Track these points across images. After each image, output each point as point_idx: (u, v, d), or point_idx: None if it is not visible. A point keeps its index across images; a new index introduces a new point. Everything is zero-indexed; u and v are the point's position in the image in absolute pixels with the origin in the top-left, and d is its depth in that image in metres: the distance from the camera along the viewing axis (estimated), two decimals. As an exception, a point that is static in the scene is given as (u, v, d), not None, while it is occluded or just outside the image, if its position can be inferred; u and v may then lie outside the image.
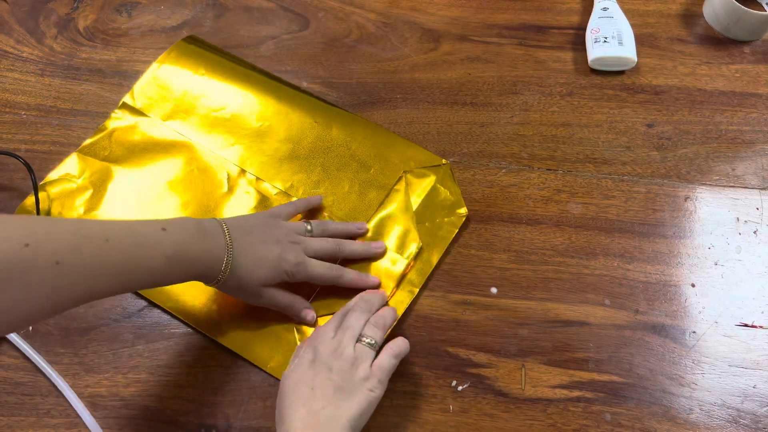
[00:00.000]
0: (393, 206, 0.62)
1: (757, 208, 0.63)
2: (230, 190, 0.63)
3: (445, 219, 0.61)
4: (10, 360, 0.56)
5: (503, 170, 0.66)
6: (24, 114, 0.70)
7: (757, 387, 0.54)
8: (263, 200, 0.63)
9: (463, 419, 0.53)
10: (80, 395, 0.54)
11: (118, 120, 0.68)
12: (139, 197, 0.63)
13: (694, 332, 0.56)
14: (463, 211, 0.62)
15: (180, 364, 0.55)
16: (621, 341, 0.56)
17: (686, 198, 0.63)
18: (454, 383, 0.55)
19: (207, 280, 0.50)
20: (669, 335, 0.56)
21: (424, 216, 0.61)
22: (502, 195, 0.64)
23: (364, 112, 0.69)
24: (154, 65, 0.71)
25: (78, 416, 0.53)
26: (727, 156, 0.66)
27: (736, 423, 0.52)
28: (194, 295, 0.58)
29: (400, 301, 0.57)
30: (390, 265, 0.59)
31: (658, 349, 0.56)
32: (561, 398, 0.54)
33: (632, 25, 0.72)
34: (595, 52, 0.71)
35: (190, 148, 0.66)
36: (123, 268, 0.44)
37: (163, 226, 0.47)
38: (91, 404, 0.54)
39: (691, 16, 0.76)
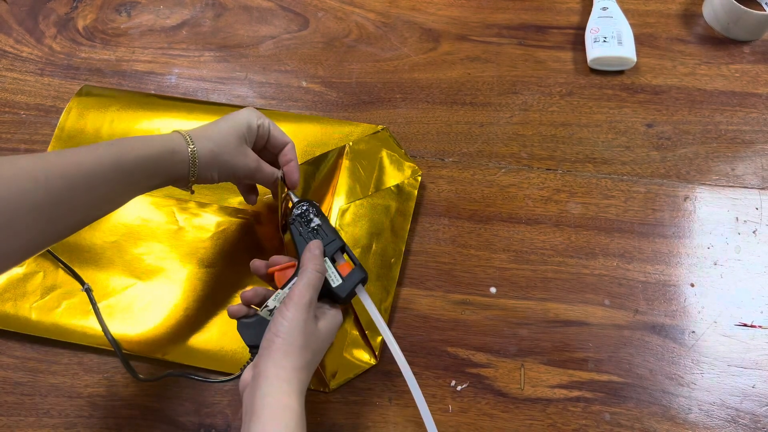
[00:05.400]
0: (344, 176, 0.62)
1: (757, 208, 0.63)
2: (184, 224, 0.61)
3: (405, 181, 0.63)
4: (9, 360, 0.56)
5: (503, 170, 0.65)
6: (23, 113, 0.70)
7: (756, 387, 0.54)
8: (221, 224, 0.61)
9: (463, 419, 0.53)
10: (80, 395, 0.54)
11: None
12: (96, 259, 0.60)
13: (694, 332, 0.56)
14: (413, 166, 0.63)
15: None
16: (620, 341, 0.56)
17: (686, 198, 0.63)
18: (453, 383, 0.55)
19: (177, 170, 0.48)
20: (668, 335, 0.56)
21: (385, 183, 0.62)
22: (501, 195, 0.64)
23: (363, 111, 0.69)
24: (57, 130, 0.66)
25: (78, 415, 0.53)
26: (726, 156, 0.66)
27: (735, 422, 0.53)
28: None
29: (390, 276, 0.58)
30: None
31: (658, 349, 0.56)
32: (560, 398, 0.54)
33: (632, 25, 0.72)
34: (594, 51, 0.71)
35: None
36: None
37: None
38: (91, 404, 0.54)
39: (690, 15, 0.76)
